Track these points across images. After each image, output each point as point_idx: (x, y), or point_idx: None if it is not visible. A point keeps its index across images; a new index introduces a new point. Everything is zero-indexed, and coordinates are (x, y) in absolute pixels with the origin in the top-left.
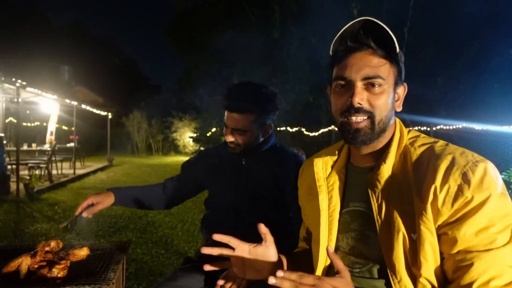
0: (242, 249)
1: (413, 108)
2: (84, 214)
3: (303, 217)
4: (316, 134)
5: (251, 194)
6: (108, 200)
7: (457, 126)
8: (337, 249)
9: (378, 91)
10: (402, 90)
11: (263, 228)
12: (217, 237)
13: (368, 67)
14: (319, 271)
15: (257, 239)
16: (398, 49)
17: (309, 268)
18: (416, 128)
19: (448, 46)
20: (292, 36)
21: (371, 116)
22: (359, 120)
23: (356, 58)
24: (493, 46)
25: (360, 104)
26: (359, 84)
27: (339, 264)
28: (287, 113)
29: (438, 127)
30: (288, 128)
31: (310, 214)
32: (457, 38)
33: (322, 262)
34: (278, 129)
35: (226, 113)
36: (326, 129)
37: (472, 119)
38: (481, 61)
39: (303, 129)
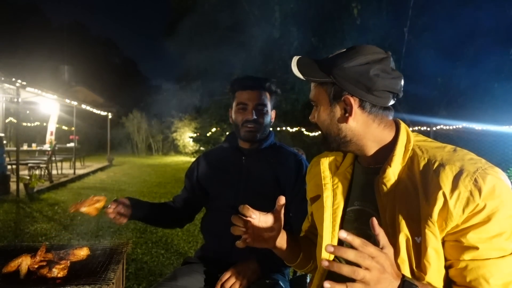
0: (254, 216)
1: (413, 108)
2: (110, 210)
3: (309, 212)
4: (316, 134)
5: (251, 193)
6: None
7: (457, 126)
8: (340, 245)
9: (315, 110)
10: (340, 107)
11: (282, 201)
12: (245, 209)
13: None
14: (320, 266)
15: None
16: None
17: (306, 252)
18: (416, 128)
19: (448, 46)
20: (292, 36)
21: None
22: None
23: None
24: (493, 46)
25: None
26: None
27: (384, 239)
28: (287, 113)
29: (438, 127)
30: (288, 128)
31: (315, 211)
32: (457, 38)
33: (324, 256)
34: (278, 129)
35: (245, 93)
36: None
37: (472, 119)
38: (481, 61)
39: (303, 129)
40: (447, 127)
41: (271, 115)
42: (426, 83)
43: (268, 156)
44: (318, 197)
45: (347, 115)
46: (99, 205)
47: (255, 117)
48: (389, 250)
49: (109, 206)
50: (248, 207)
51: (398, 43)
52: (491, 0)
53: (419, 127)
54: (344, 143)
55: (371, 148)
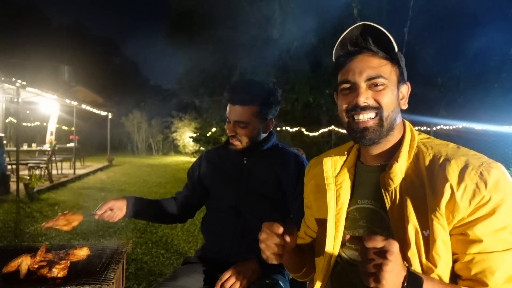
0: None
1: (413, 108)
2: (97, 217)
3: (308, 214)
4: (316, 134)
5: (252, 194)
6: (122, 213)
7: (457, 126)
8: (343, 244)
9: (382, 89)
10: (405, 89)
11: (279, 230)
12: (267, 225)
13: (370, 68)
14: (323, 266)
15: (256, 240)
16: (397, 50)
17: (311, 260)
18: (416, 128)
19: (448, 46)
20: (292, 36)
21: (378, 112)
22: (366, 118)
23: (357, 61)
24: (493, 46)
25: (366, 102)
26: (363, 85)
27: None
28: (287, 113)
29: (438, 127)
30: (288, 128)
31: (317, 211)
32: (457, 38)
33: (327, 256)
34: (278, 129)
35: (228, 107)
36: (326, 129)
37: (472, 119)
38: (481, 61)
39: (303, 129)
40: (447, 127)
41: (262, 126)
42: (426, 83)
43: (269, 157)
44: (319, 198)
45: (404, 100)
46: (75, 224)
47: (234, 133)
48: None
49: (95, 211)
50: (279, 225)
51: (398, 43)
52: (491, 0)
53: (419, 127)
54: (391, 130)
55: (388, 142)
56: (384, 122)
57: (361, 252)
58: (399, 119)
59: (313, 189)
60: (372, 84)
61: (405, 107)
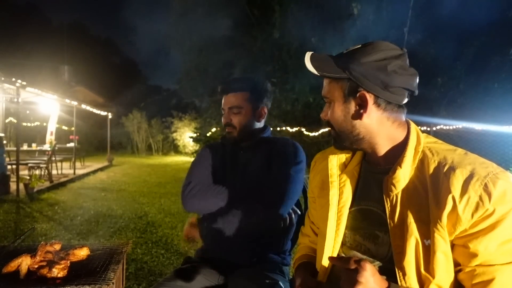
0: None
1: (413, 108)
2: None
3: (312, 210)
4: (316, 134)
5: (247, 188)
6: None
7: (457, 126)
8: (343, 244)
9: (328, 106)
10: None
11: None
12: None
13: (324, 89)
14: (323, 265)
15: (255, 238)
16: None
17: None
18: None
19: (448, 46)
20: (292, 36)
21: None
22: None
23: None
24: (493, 46)
25: (324, 118)
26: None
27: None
28: (287, 113)
29: (438, 127)
30: (288, 128)
31: (320, 208)
32: (457, 38)
33: (327, 255)
34: (278, 129)
35: (223, 99)
36: (326, 129)
37: (472, 119)
38: (481, 61)
39: (303, 129)
40: (447, 127)
41: (255, 113)
42: (426, 83)
43: (264, 147)
44: (323, 195)
45: (362, 111)
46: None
47: (229, 120)
48: (366, 263)
49: None
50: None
51: (398, 43)
52: (491, 0)
53: (419, 127)
54: (357, 141)
55: (383, 147)
56: (339, 134)
57: (340, 270)
58: (362, 128)
59: (318, 185)
60: (325, 102)
61: (363, 119)
